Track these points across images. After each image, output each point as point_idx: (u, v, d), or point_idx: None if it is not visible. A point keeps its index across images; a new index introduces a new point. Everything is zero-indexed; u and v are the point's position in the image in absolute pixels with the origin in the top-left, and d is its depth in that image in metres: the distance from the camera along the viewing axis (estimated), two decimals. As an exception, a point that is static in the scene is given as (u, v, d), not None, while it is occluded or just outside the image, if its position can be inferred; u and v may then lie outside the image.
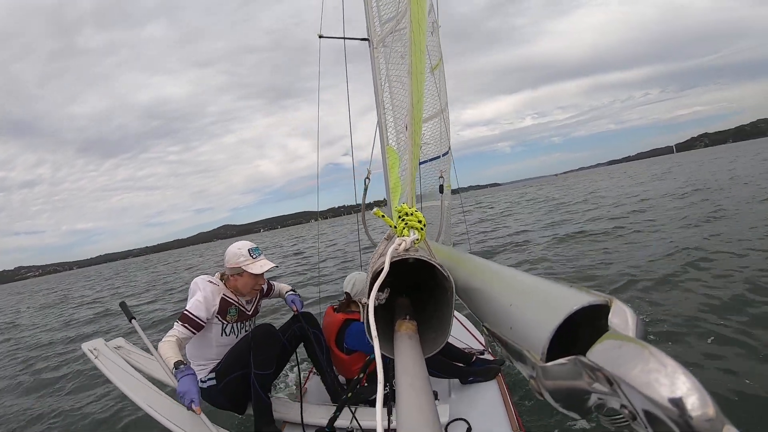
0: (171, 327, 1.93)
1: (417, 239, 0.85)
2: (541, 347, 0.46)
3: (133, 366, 2.58)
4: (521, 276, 0.65)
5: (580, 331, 0.46)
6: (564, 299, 0.47)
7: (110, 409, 3.92)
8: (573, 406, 0.45)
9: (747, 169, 19.39)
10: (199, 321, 1.95)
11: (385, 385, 0.54)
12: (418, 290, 1.06)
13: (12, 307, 20.74)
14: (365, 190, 2.75)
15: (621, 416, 0.39)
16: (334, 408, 2.02)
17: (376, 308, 0.67)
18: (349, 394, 2.01)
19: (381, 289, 0.76)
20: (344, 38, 3.39)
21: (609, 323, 0.42)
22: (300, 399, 2.17)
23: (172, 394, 2.05)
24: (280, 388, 3.44)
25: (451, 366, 2.44)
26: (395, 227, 0.91)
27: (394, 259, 0.75)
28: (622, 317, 0.42)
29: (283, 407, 2.26)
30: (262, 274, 2.10)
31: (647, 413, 0.34)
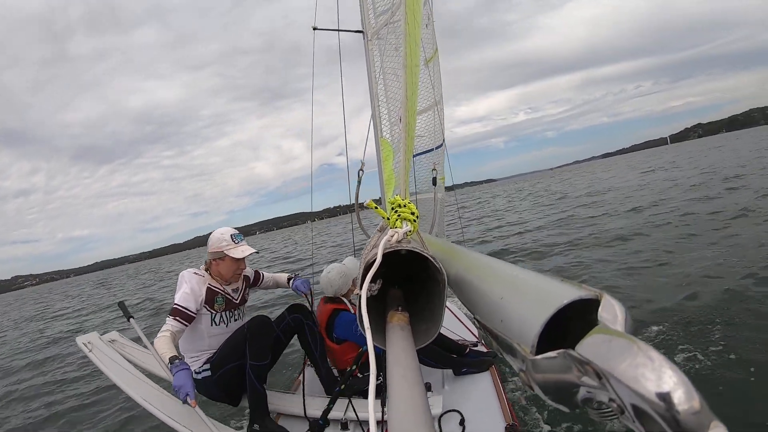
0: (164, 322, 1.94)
1: (410, 231, 0.85)
2: (531, 340, 0.46)
3: (127, 359, 2.57)
4: (513, 269, 0.64)
5: (571, 324, 0.46)
6: (555, 293, 0.47)
7: (105, 402, 3.91)
8: (562, 399, 0.45)
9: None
10: (189, 312, 1.98)
11: (378, 376, 0.53)
12: (410, 282, 1.06)
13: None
14: (359, 182, 2.74)
15: (609, 410, 0.40)
16: (328, 400, 2.03)
17: (368, 299, 0.67)
18: (343, 386, 2.02)
19: (373, 280, 0.76)
20: (338, 30, 3.34)
21: (599, 317, 0.42)
22: (302, 390, 2.20)
23: (167, 387, 2.06)
24: (272, 381, 3.44)
25: (444, 355, 2.44)
26: (388, 219, 0.91)
27: (387, 251, 0.75)
28: (611, 311, 0.42)
29: (278, 399, 2.27)
30: (243, 258, 2.17)
31: (635, 407, 0.34)
